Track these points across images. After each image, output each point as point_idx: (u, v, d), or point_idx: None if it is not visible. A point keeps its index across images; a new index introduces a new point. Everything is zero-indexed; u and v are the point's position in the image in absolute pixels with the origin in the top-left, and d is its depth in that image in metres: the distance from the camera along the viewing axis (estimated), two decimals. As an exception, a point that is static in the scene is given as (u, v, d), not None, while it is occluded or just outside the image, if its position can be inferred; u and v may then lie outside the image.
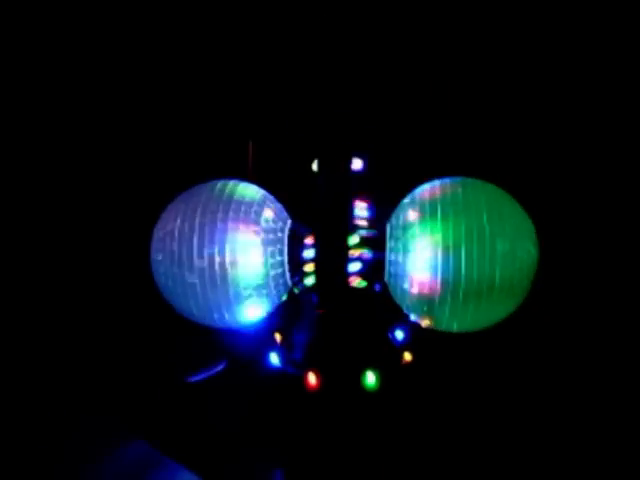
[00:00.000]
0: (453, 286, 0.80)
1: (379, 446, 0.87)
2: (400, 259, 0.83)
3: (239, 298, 0.84)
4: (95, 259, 1.24)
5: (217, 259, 0.82)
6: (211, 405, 0.94)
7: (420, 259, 0.81)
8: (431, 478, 0.86)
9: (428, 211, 0.82)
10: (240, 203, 0.86)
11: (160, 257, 0.85)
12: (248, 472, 0.84)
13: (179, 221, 0.85)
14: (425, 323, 0.86)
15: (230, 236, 0.83)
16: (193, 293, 0.84)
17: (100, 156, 1.29)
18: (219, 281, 0.83)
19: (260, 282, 0.85)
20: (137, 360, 1.04)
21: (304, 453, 0.85)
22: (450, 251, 0.79)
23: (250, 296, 0.84)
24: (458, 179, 0.87)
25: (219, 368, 0.99)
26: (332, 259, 0.83)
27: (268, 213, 0.87)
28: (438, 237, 0.80)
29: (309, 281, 0.87)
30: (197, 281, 0.83)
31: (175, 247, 0.84)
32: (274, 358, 0.90)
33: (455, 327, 0.85)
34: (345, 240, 0.83)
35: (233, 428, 0.90)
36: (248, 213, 0.85)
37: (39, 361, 1.06)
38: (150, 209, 1.06)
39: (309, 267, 0.87)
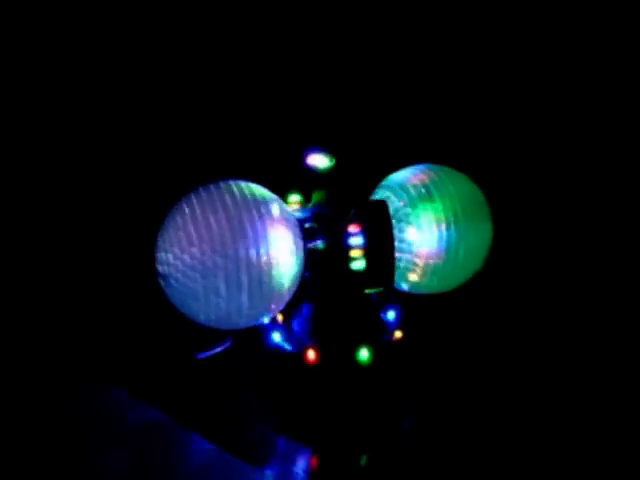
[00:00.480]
0: (454, 253, 0.97)
1: (372, 414, 0.95)
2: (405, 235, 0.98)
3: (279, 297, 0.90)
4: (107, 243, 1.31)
5: (263, 259, 0.85)
6: (219, 379, 1.01)
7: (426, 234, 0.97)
8: (420, 446, 0.93)
9: (424, 194, 0.98)
10: (263, 202, 0.88)
11: (190, 262, 0.83)
12: (252, 437, 0.91)
13: (213, 223, 0.84)
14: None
15: (272, 235, 0.86)
16: (231, 297, 0.85)
17: (96, 154, 1.34)
18: (266, 279, 0.85)
19: (292, 280, 0.91)
20: (149, 338, 1.12)
21: (304, 421, 0.93)
22: (451, 225, 0.97)
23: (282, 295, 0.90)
24: (432, 166, 1.02)
25: (225, 346, 1.07)
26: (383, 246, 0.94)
27: (285, 208, 0.93)
28: (439, 216, 0.97)
29: (356, 265, 0.95)
30: (246, 281, 0.84)
31: (212, 254, 0.83)
32: (276, 336, 0.98)
33: (435, 286, 1.01)
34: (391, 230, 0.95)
35: (240, 399, 0.97)
36: (273, 210, 0.88)
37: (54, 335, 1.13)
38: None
39: (355, 252, 0.94)
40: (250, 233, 0.84)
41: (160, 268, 0.86)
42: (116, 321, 1.16)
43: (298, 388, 0.97)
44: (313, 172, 0.97)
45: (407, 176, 1.00)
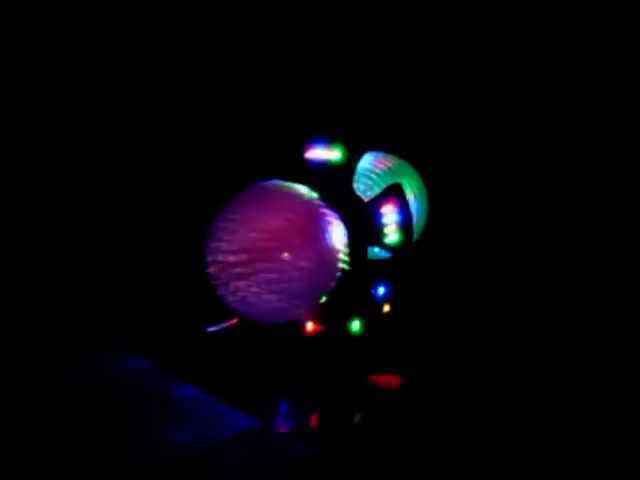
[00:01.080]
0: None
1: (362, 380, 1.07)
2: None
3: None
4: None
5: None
6: (228, 349, 1.13)
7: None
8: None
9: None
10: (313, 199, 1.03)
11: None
12: (257, 398, 1.02)
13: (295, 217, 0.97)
14: None
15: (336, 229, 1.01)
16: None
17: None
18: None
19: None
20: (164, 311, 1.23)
21: (304, 385, 1.04)
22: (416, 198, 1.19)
23: None
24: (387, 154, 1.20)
25: (232, 322, 1.18)
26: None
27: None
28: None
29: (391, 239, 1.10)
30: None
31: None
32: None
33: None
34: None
35: (247, 366, 1.08)
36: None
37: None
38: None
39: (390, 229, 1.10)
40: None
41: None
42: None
43: (298, 355, 1.09)
44: (321, 165, 1.10)
45: (372, 162, 1.16)
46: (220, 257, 0.97)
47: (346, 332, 1.08)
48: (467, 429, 0.92)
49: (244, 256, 0.94)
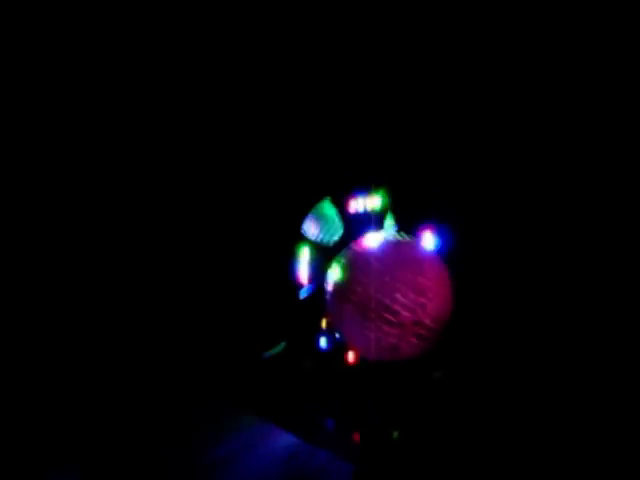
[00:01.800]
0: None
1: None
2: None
3: None
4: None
5: None
6: (281, 374, 1.28)
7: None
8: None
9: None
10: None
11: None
12: (309, 420, 1.17)
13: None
14: None
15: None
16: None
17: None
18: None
19: None
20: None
21: (349, 407, 1.18)
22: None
23: None
24: None
25: (281, 348, 1.33)
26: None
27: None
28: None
29: None
30: None
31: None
32: (323, 341, 1.25)
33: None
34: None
35: (297, 389, 1.24)
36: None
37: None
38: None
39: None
40: None
41: None
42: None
43: (340, 382, 1.22)
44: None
45: None
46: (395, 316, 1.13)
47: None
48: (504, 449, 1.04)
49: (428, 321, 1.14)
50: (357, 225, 1.24)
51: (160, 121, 1.53)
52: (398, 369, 1.21)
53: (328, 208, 1.33)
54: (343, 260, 1.20)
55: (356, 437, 1.16)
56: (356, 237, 1.22)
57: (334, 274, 1.20)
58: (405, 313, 1.12)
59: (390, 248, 1.19)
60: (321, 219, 1.31)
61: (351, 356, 1.20)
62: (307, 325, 1.27)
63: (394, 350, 1.14)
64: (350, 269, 1.17)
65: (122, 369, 1.30)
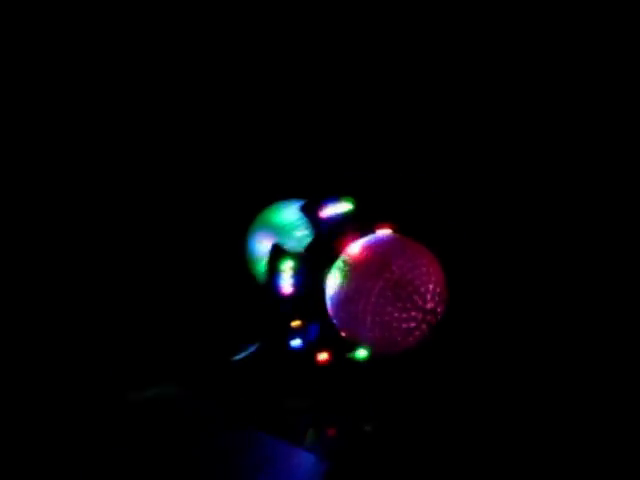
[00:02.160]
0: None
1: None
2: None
3: None
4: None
5: None
6: (251, 376, 1.29)
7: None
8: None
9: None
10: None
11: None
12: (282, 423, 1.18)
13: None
14: None
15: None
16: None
17: None
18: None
19: None
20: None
21: (322, 408, 1.21)
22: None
23: None
24: None
25: (253, 349, 1.34)
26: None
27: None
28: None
29: None
30: None
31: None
32: (296, 341, 1.27)
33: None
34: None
35: (270, 392, 1.25)
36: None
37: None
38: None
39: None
40: None
41: None
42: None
43: (312, 383, 1.25)
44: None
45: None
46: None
47: (353, 359, 1.24)
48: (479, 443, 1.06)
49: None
50: (333, 229, 1.25)
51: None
52: (373, 367, 1.25)
53: (273, 216, 1.34)
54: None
55: (331, 432, 1.20)
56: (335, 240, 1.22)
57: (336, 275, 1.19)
58: (429, 297, 1.14)
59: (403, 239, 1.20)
60: (271, 229, 1.32)
61: (322, 356, 1.24)
62: (278, 326, 1.29)
63: (407, 334, 1.14)
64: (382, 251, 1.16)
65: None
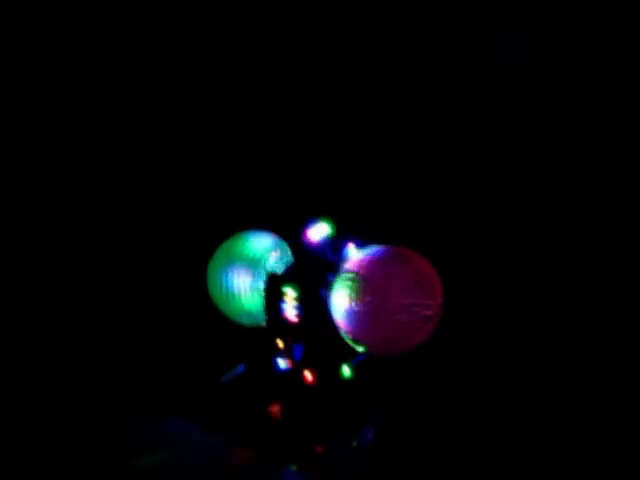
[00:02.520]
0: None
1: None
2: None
3: None
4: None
5: None
6: (240, 396, 1.30)
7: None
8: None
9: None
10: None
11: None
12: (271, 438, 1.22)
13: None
14: None
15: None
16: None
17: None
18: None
19: None
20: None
21: (304, 426, 1.23)
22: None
23: None
24: None
25: (240, 371, 1.37)
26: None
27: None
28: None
29: None
30: None
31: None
32: (281, 362, 1.31)
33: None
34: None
35: (255, 412, 1.27)
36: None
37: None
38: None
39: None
40: None
41: None
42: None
43: (300, 401, 1.27)
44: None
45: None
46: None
47: (339, 378, 1.27)
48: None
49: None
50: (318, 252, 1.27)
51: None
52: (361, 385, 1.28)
53: (241, 248, 1.31)
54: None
55: (319, 450, 1.23)
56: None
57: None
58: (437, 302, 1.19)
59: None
60: (243, 262, 1.29)
61: (309, 376, 1.27)
62: (264, 347, 1.32)
63: (425, 321, 1.17)
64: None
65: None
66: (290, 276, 1.27)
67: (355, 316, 1.16)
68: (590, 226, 1.45)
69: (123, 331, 1.46)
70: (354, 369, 1.27)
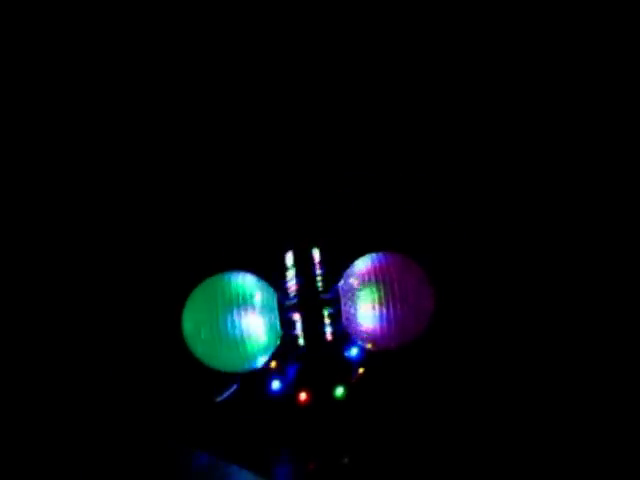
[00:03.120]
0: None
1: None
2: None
3: None
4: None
5: None
6: (232, 417, 1.33)
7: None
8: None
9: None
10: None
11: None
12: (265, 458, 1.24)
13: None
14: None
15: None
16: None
17: None
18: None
19: None
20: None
21: (301, 450, 1.26)
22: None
23: None
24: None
25: (233, 390, 1.37)
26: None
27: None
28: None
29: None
30: None
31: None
32: (275, 384, 1.33)
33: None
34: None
35: (250, 433, 1.29)
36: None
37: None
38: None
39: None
40: None
41: None
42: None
43: (294, 423, 1.30)
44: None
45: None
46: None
47: (332, 398, 1.30)
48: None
49: None
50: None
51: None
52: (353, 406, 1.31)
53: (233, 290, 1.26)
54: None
55: (311, 466, 1.27)
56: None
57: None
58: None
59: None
60: (241, 304, 1.25)
61: (303, 396, 1.31)
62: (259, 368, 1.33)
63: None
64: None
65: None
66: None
67: (388, 318, 1.24)
68: (590, 226, 1.48)
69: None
70: (345, 389, 1.31)
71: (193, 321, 1.26)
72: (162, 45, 1.54)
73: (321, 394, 1.30)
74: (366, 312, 1.27)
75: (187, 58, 1.56)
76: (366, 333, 1.28)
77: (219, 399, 1.37)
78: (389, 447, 1.24)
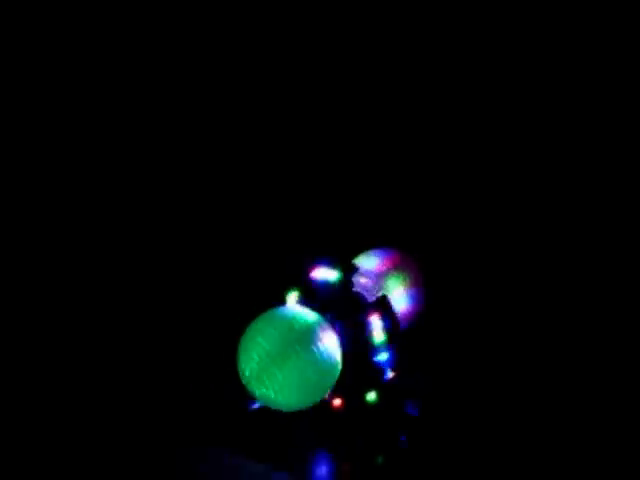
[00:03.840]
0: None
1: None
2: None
3: None
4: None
5: None
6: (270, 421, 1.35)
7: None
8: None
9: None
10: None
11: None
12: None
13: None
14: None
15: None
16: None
17: None
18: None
19: None
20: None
21: (336, 451, 1.29)
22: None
23: None
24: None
25: None
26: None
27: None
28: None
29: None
30: None
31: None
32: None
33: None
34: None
35: (285, 436, 1.32)
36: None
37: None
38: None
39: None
40: None
41: None
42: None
43: (329, 428, 1.34)
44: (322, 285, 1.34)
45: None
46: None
47: (364, 403, 1.33)
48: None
49: None
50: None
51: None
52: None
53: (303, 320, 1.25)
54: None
55: (345, 468, 1.31)
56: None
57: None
58: None
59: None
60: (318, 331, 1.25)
61: (337, 402, 1.35)
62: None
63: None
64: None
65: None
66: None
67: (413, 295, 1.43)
68: (590, 225, 1.51)
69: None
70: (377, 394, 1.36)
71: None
72: (163, 46, 1.57)
73: (354, 399, 1.34)
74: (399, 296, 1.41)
75: (190, 61, 1.60)
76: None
77: (253, 407, 1.39)
78: (421, 448, 1.29)
